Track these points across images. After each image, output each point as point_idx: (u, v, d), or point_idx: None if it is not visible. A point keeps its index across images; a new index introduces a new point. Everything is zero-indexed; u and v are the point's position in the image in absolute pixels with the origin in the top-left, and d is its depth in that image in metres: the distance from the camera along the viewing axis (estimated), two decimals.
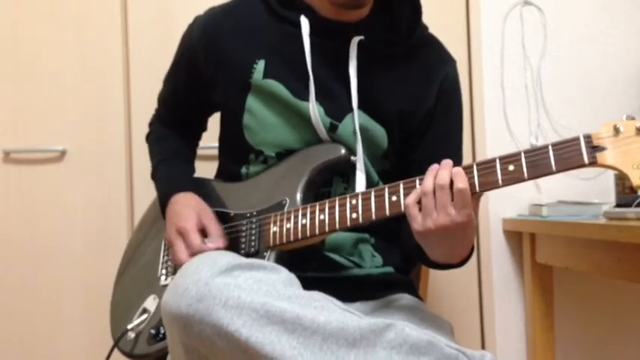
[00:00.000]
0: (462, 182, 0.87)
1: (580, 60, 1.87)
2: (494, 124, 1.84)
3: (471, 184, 0.87)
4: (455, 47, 1.24)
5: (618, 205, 1.49)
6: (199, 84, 1.19)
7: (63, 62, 1.80)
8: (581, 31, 1.87)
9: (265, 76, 1.11)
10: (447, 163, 0.90)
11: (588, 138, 0.83)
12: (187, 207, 1.11)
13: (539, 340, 1.75)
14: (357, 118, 1.09)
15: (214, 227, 1.09)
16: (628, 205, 1.41)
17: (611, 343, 1.85)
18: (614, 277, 1.49)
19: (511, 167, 0.86)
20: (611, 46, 1.88)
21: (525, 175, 0.85)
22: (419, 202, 0.90)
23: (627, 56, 1.88)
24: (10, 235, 1.79)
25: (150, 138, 1.34)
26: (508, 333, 1.82)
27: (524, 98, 1.86)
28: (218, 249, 1.05)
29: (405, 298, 1.14)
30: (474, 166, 0.88)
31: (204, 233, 1.08)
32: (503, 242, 1.83)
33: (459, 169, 0.88)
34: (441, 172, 0.89)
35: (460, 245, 0.94)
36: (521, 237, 1.81)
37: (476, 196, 0.90)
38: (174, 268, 1.16)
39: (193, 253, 1.04)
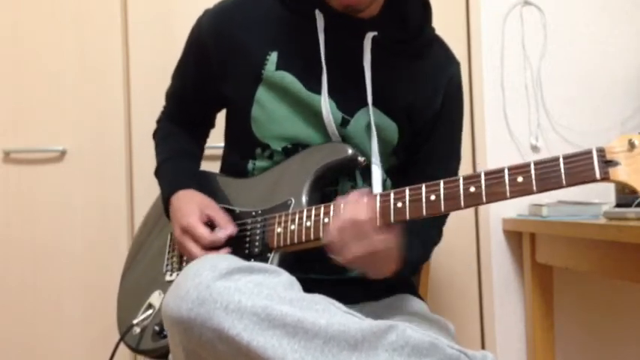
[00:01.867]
0: (360, 215, 0.90)
1: (580, 60, 1.87)
2: (495, 124, 1.84)
3: (478, 194, 0.86)
4: (455, 47, 1.24)
5: (618, 205, 1.49)
6: (209, 77, 1.18)
7: (63, 62, 1.80)
8: (581, 31, 1.87)
9: (278, 68, 1.10)
10: (352, 194, 0.94)
11: (601, 152, 0.79)
12: (188, 203, 1.11)
13: (539, 340, 1.75)
14: (372, 114, 1.09)
15: (220, 216, 1.09)
16: (628, 205, 1.41)
17: (611, 343, 1.85)
18: (614, 277, 1.50)
19: (520, 179, 0.83)
20: (611, 46, 1.88)
21: (534, 187, 0.82)
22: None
23: (627, 56, 1.88)
24: (10, 235, 1.79)
25: (157, 135, 1.33)
26: (508, 333, 1.82)
27: (524, 98, 1.86)
28: (230, 236, 1.06)
29: (407, 299, 1.14)
30: (482, 175, 0.86)
31: (211, 225, 1.07)
32: (503, 242, 1.84)
33: (361, 202, 0.92)
34: (346, 207, 0.93)
35: (382, 265, 0.97)
36: (521, 237, 1.81)
37: (388, 225, 0.92)
38: (179, 263, 1.16)
39: (205, 247, 1.04)
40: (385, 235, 0.92)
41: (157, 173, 1.25)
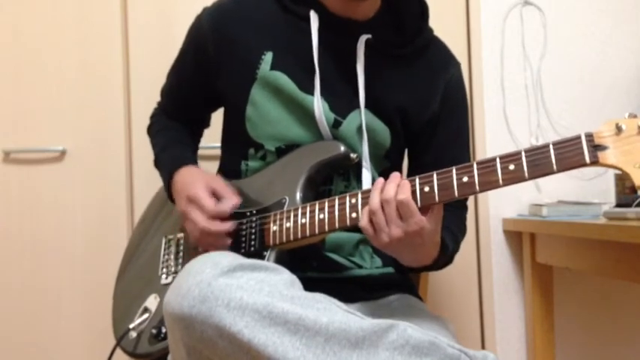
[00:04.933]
0: (402, 194, 0.89)
1: (580, 60, 1.87)
2: (494, 124, 1.84)
3: (471, 183, 0.87)
4: (455, 47, 1.24)
5: (618, 205, 1.49)
6: (205, 74, 1.19)
7: (63, 62, 1.80)
8: (581, 31, 1.87)
9: (272, 68, 1.11)
10: (394, 176, 0.92)
11: (590, 137, 0.82)
12: (192, 175, 1.11)
13: (539, 340, 1.75)
14: (363, 116, 1.10)
15: (225, 189, 1.09)
16: (628, 205, 1.41)
17: (611, 343, 1.85)
18: (614, 277, 1.50)
19: (512, 166, 0.85)
20: (611, 46, 1.88)
21: (526, 174, 0.84)
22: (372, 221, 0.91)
23: (627, 56, 1.88)
24: (10, 235, 1.79)
25: (151, 129, 1.33)
26: (508, 333, 1.82)
27: (524, 98, 1.86)
28: (234, 207, 1.06)
29: (406, 299, 1.14)
30: (474, 165, 0.88)
31: (216, 197, 1.08)
32: (503, 242, 1.84)
33: (403, 182, 0.91)
34: (387, 186, 0.91)
35: (423, 250, 0.96)
36: (521, 237, 1.81)
37: (434, 205, 0.91)
38: (175, 267, 1.16)
39: (211, 216, 1.05)
40: (428, 216, 0.91)
41: (156, 162, 1.25)
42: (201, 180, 1.09)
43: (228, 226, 1.05)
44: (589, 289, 1.84)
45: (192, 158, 1.23)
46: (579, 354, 1.84)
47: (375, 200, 0.90)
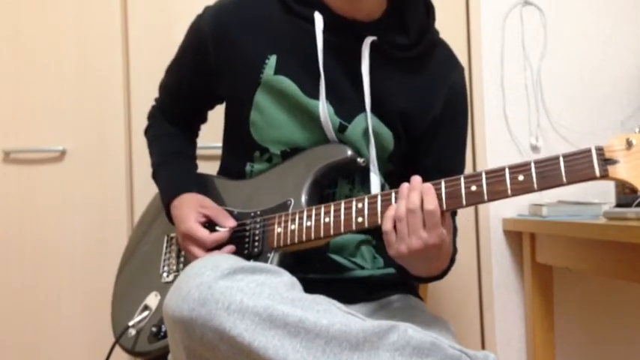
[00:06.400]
0: (431, 203, 0.87)
1: (580, 60, 1.87)
2: (494, 124, 1.84)
3: (479, 192, 0.87)
4: (455, 47, 1.24)
5: (618, 205, 1.50)
6: (205, 74, 1.17)
7: (63, 62, 1.80)
8: (581, 31, 1.87)
9: (277, 72, 1.10)
10: (416, 181, 0.90)
11: (600, 150, 0.82)
12: (183, 208, 1.11)
13: (539, 340, 1.75)
14: (370, 120, 1.09)
15: (217, 213, 1.09)
16: (628, 205, 1.41)
17: (611, 343, 1.85)
18: (614, 277, 1.50)
19: (521, 177, 0.85)
20: (612, 46, 1.88)
21: (535, 185, 0.84)
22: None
23: (627, 56, 1.88)
24: (10, 235, 1.79)
25: (149, 133, 1.32)
26: (508, 333, 1.82)
27: (524, 98, 1.86)
28: (231, 230, 1.06)
29: (407, 299, 1.14)
30: (483, 174, 0.87)
31: (211, 224, 1.08)
32: (504, 242, 1.84)
33: (427, 187, 0.89)
34: (411, 194, 0.89)
35: (437, 261, 0.96)
36: (521, 237, 1.81)
37: (447, 213, 0.90)
38: (176, 265, 1.16)
39: (209, 249, 1.05)
40: (446, 227, 0.90)
41: (155, 176, 1.24)
42: (191, 211, 1.09)
43: (228, 249, 1.05)
44: (589, 289, 1.84)
45: (188, 177, 1.22)
46: (579, 354, 1.84)
47: (401, 208, 0.89)
